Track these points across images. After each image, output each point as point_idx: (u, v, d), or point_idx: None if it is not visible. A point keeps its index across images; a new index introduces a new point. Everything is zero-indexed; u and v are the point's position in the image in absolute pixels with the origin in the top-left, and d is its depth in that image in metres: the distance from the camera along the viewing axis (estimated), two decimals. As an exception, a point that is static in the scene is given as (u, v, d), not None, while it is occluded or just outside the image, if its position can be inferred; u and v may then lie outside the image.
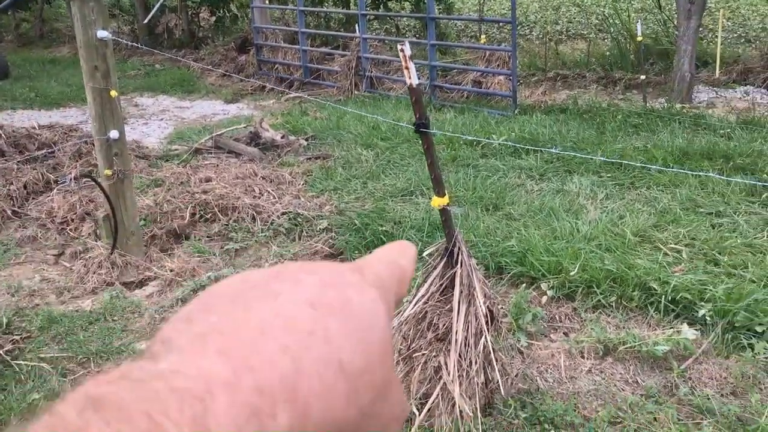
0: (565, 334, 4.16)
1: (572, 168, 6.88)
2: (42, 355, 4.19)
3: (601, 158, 6.56)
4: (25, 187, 6.96)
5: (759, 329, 3.82)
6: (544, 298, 4.44)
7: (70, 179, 6.82)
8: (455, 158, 7.48)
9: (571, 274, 4.48)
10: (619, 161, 6.47)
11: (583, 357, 3.90)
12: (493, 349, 3.22)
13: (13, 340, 4.30)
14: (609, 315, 4.24)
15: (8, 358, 4.06)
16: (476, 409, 3.14)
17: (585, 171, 6.75)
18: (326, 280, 0.42)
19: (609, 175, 6.60)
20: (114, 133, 5.19)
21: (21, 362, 4.06)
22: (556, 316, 4.30)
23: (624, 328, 4.09)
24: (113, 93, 5.15)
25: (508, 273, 4.74)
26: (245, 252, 5.72)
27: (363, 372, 0.39)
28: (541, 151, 7.21)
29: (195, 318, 0.38)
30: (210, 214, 6.22)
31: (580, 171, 6.77)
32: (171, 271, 5.41)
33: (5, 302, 4.95)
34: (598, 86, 11.19)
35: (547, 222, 5.47)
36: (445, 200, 3.13)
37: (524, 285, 4.59)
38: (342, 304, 0.41)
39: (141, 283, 5.39)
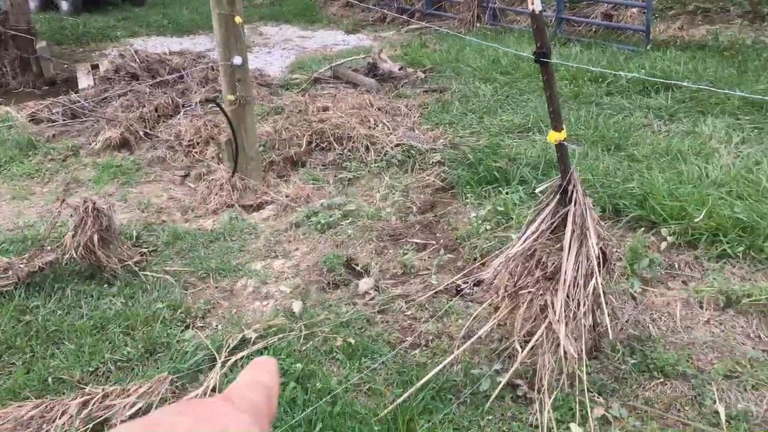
0: (684, 282, 3.95)
1: (706, 108, 6.42)
2: (167, 268, 4.47)
3: (741, 93, 6.03)
4: (156, 110, 7.32)
5: None
6: (664, 244, 4.23)
7: (196, 103, 7.09)
8: (578, 95, 7.16)
9: (696, 220, 4.23)
10: (761, 100, 5.95)
11: (701, 307, 3.70)
12: (603, 291, 3.11)
13: (141, 252, 4.61)
14: (734, 266, 3.99)
15: (136, 269, 4.36)
16: (581, 351, 3.07)
17: (720, 112, 6.28)
18: (200, 417, 0.45)
19: (747, 117, 6.10)
20: (237, 59, 5.32)
21: (147, 273, 4.35)
22: (675, 264, 4.09)
23: (750, 279, 3.84)
24: (237, 19, 5.25)
25: (626, 216, 4.54)
26: (358, 181, 5.79)
27: None
28: (672, 89, 6.76)
29: None
30: (326, 143, 6.32)
31: (715, 112, 6.30)
32: (287, 196, 5.57)
33: (135, 217, 5.30)
34: (744, 21, 10.27)
35: (673, 165, 5.16)
36: (562, 135, 3.00)
37: (642, 229, 4.38)
38: None
39: (258, 207, 5.60)
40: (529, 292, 3.17)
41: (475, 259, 4.34)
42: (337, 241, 4.78)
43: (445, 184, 5.54)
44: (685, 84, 5.62)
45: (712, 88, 6.34)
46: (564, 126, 3.07)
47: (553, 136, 2.99)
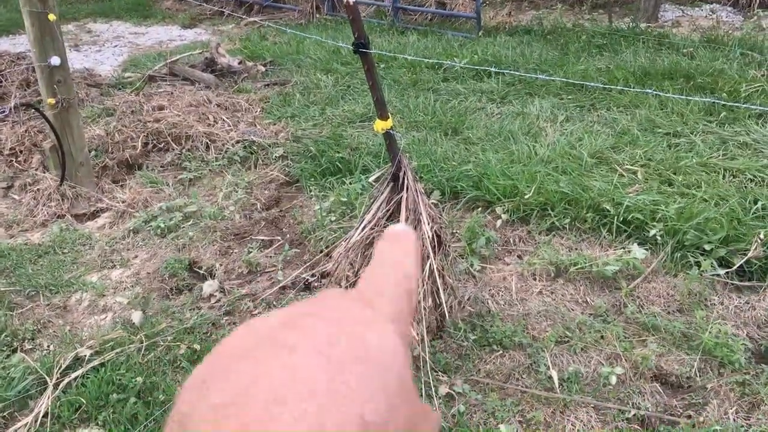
0: (519, 257, 4.16)
1: (534, 91, 6.79)
2: (-12, 290, 4.10)
3: (562, 80, 6.46)
4: (-31, 118, 6.69)
5: (707, 247, 3.85)
6: (499, 222, 4.42)
7: (10, 109, 6.56)
8: (416, 82, 7.33)
9: (526, 197, 4.46)
10: (581, 83, 6.38)
11: (534, 279, 3.91)
12: (441, 273, 3.21)
13: (-43, 275, 4.20)
14: (562, 237, 4.25)
15: (-48, 294, 3.97)
16: (424, 332, 3.14)
17: (546, 93, 6.66)
18: (338, 323, 0.39)
19: (570, 96, 6.52)
20: (55, 60, 4.96)
21: (-35, 297, 3.97)
22: (510, 240, 4.30)
23: (576, 249, 4.10)
24: (52, 16, 4.90)
25: (464, 198, 4.70)
26: (199, 182, 5.60)
27: (387, 420, 0.36)
28: (503, 73, 7.08)
29: (208, 385, 0.37)
30: (163, 144, 6.06)
31: (542, 93, 6.68)
32: (123, 202, 5.29)
33: (-50, 237, 4.82)
34: (564, 6, 10.97)
35: (505, 146, 5.41)
36: (388, 123, 3.04)
37: (479, 209, 4.56)
38: (358, 351, 0.37)
39: (92, 215, 5.27)
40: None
41: (321, 252, 4.33)
42: (178, 245, 4.60)
43: (289, 178, 5.48)
44: (515, 73, 5.89)
45: (536, 76, 6.71)
46: (390, 114, 3.11)
47: (380, 125, 3.03)
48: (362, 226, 3.24)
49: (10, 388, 3.21)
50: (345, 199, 4.75)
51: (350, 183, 5.00)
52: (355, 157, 5.40)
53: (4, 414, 3.08)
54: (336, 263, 3.30)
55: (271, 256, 4.41)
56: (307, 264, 4.17)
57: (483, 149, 5.35)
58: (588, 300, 3.70)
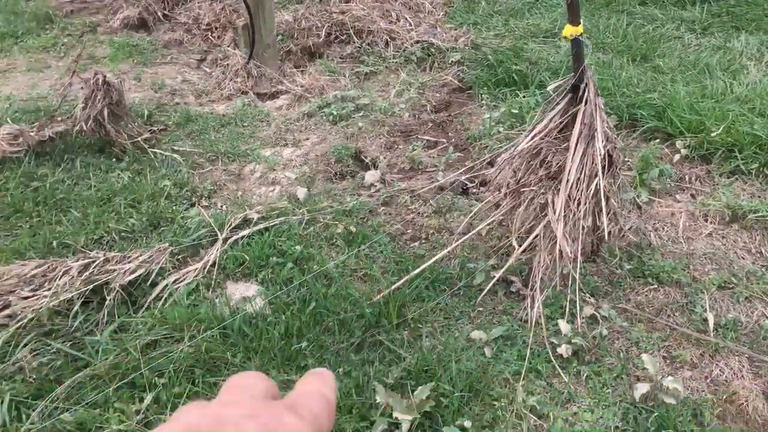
0: (692, 195, 3.90)
1: (742, 24, 6.15)
2: (176, 148, 4.48)
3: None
4: (175, -9, 7.16)
5: None
6: (677, 157, 4.15)
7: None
8: (610, 3, 6.88)
9: (713, 134, 4.13)
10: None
11: (706, 220, 3.67)
12: (606, 195, 3.08)
13: (151, 130, 4.62)
14: (746, 182, 3.92)
15: (146, 146, 4.38)
16: (577, 251, 3.07)
17: (756, 29, 6.02)
18: (266, 424, 0.46)
19: (784, 35, 5.85)
20: (257, -60, 5.14)
21: (156, 151, 4.37)
22: (686, 177, 4.03)
23: (760, 197, 3.78)
24: None
25: (643, 127, 4.44)
26: (375, 76, 5.69)
27: None
28: (709, 2, 6.47)
29: None
30: (345, 36, 6.18)
31: (750, 29, 6.04)
32: (301, 86, 5.50)
33: (149, 97, 5.27)
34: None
35: (698, 79, 5.00)
36: (578, 30, 2.89)
37: (657, 141, 4.30)
38: None
39: (273, 95, 5.54)
40: (531, 190, 3.15)
41: (484, 160, 4.30)
42: (347, 133, 4.75)
43: (462, 84, 5.43)
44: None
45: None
46: (581, 23, 2.95)
47: (569, 30, 2.89)
48: (532, 134, 3.16)
49: (186, 235, 3.53)
50: (516, 111, 4.64)
51: (524, 96, 4.87)
52: (532, 71, 5.22)
53: (179, 257, 3.41)
54: (499, 169, 3.27)
55: (433, 157, 4.44)
56: (468, 168, 4.16)
57: (672, 80, 4.98)
58: (763, 251, 3.43)
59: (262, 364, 2.70)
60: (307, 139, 4.79)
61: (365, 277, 3.32)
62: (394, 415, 2.43)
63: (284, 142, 4.75)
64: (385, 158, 4.41)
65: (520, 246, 3.15)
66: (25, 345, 2.69)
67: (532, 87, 5.01)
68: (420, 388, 2.54)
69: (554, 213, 3.04)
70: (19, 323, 2.74)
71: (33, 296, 2.89)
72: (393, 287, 3.12)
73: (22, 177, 3.93)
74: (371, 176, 4.22)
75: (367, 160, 4.43)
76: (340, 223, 3.70)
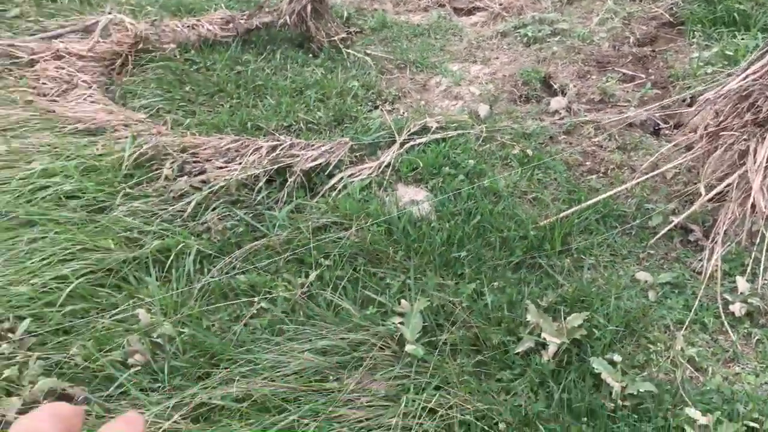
0: None
1: None
2: (368, 51, 4.59)
3: None
4: None
5: None
6: None
7: None
8: None
9: None
10: None
11: None
12: (820, 151, 2.77)
13: (348, 32, 4.75)
14: None
15: (341, 46, 4.52)
16: (773, 209, 2.81)
17: None
18: None
19: None
20: None
21: (350, 51, 4.50)
22: None
23: None
24: None
25: None
26: (578, 2, 5.41)
27: None
28: None
29: None
30: (552, -44, 5.89)
31: None
32: (500, 5, 5.37)
33: (349, 0, 5.40)
34: None
35: None
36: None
37: None
38: None
39: (469, 11, 5.47)
40: (732, 135, 2.90)
41: (683, 101, 4.00)
42: (539, 57, 4.60)
43: (673, 19, 5.01)
44: None
45: None
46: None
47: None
48: (744, 74, 2.89)
49: (367, 135, 3.65)
50: (730, 54, 4.23)
51: (742, 38, 4.42)
52: (758, 11, 4.70)
53: (357, 154, 3.54)
54: (699, 108, 3.03)
55: (627, 91, 4.20)
56: (665, 107, 3.89)
57: None
58: None
59: (421, 264, 2.78)
60: (497, 58, 4.70)
61: (534, 200, 3.27)
62: (543, 335, 2.42)
63: (473, 58, 4.70)
64: (574, 86, 4.24)
65: (707, 194, 2.95)
66: (214, 209, 2.97)
67: (754, 29, 4.53)
68: (573, 315, 2.50)
69: (754, 163, 2.79)
70: (211, 189, 3.01)
71: (225, 167, 3.15)
72: (562, 214, 3.05)
73: (228, 60, 4.23)
74: (557, 103, 4.08)
75: (555, 86, 4.28)
76: (518, 145, 3.64)
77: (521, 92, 4.26)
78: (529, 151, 3.59)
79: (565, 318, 2.52)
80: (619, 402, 2.26)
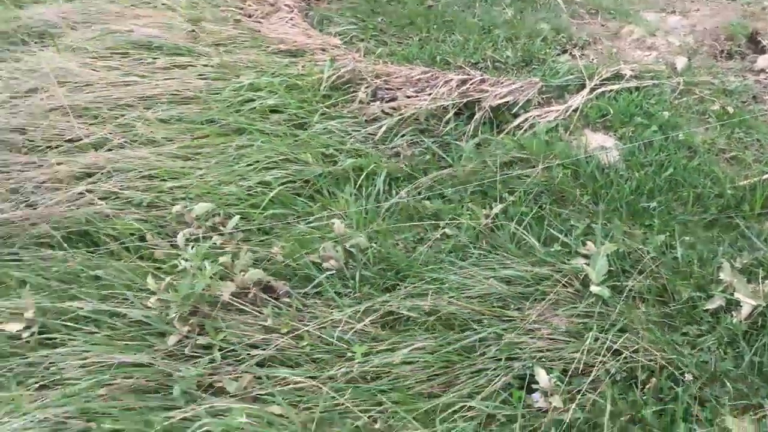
0: None
1: None
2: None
3: None
4: None
5: None
6: None
7: None
8: None
9: None
10: None
11: None
12: None
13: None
14: None
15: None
16: None
17: None
18: None
19: None
20: None
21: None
22: None
23: None
24: None
25: None
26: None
27: None
28: None
29: None
30: None
31: None
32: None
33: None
34: None
35: None
36: None
37: None
38: None
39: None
40: None
41: None
42: (746, 11, 4.27)
43: None
44: None
45: None
46: None
47: None
48: None
49: (556, 78, 3.58)
50: None
51: None
52: None
53: (544, 96, 3.48)
54: None
55: None
56: None
57: None
58: None
59: (607, 210, 2.72)
60: (698, 10, 4.41)
61: (733, 159, 3.08)
62: (736, 295, 2.31)
63: (672, 8, 4.44)
64: (787, 44, 3.90)
65: None
66: (403, 135, 3.05)
67: None
68: (773, 278, 2.37)
69: None
70: (402, 116, 3.09)
71: (415, 97, 3.21)
72: (764, 176, 2.86)
73: (419, -4, 4.27)
74: (765, 60, 3.78)
75: (763, 43, 3.96)
76: (717, 101, 3.43)
77: (723, 47, 3.99)
78: (730, 109, 3.37)
79: (762, 281, 2.39)
80: (816, 372, 2.13)
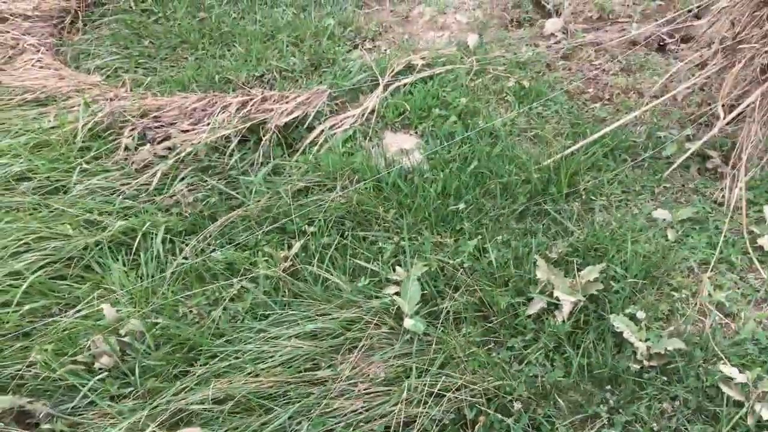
0: None
1: None
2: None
3: None
4: None
5: None
6: None
7: None
8: None
9: None
10: None
11: None
12: None
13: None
14: None
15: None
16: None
17: None
18: None
19: None
20: None
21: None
22: None
23: None
24: None
25: None
26: None
27: None
28: None
29: None
30: None
31: None
32: None
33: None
34: None
35: None
36: None
37: None
38: None
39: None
40: (752, 47, 2.58)
41: (689, 11, 3.65)
42: (528, -25, 4.21)
43: None
44: None
45: None
46: None
47: None
48: (765, -22, 2.55)
49: (347, 79, 3.33)
50: (738, -46, 3.85)
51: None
52: None
53: (338, 102, 3.23)
54: (713, 18, 2.70)
55: (628, 6, 3.84)
56: (670, 19, 3.55)
57: None
58: None
59: (415, 222, 2.52)
60: (483, -20, 4.31)
61: (535, 138, 2.98)
62: (555, 294, 2.17)
63: (457, -18, 4.31)
64: (569, 5, 3.88)
65: (726, 115, 2.65)
66: (182, 179, 2.68)
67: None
68: (588, 268, 2.25)
69: (778, 78, 2.49)
70: (178, 156, 2.72)
71: (192, 130, 2.85)
72: (566, 152, 2.76)
73: (190, 7, 3.86)
74: (552, 24, 3.74)
75: (549, 7, 3.92)
76: (513, 76, 3.32)
77: (512, 16, 3.91)
78: (526, 82, 3.27)
79: (578, 271, 2.27)
80: (645, 363, 2.03)
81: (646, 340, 2.06)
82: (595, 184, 2.69)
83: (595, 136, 2.80)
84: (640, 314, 2.13)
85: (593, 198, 2.65)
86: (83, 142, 2.76)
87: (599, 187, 2.69)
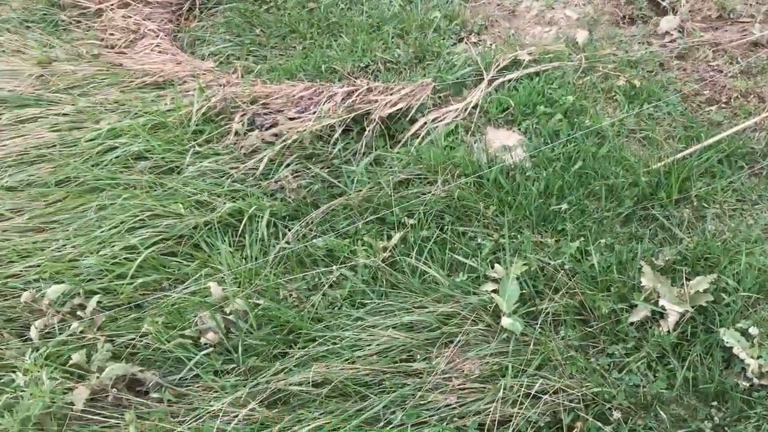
0: None
1: None
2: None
3: None
4: None
5: None
6: None
7: None
8: None
9: None
10: None
11: None
12: None
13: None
14: None
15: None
16: None
17: None
18: None
19: None
20: None
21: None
22: None
23: None
24: None
25: None
26: None
27: None
28: None
29: None
30: None
31: None
32: None
33: None
34: None
35: None
36: None
37: None
38: None
39: None
40: None
41: (820, 12, 3.42)
42: (644, -29, 4.06)
43: None
44: None
45: None
46: None
47: None
48: None
49: (451, 72, 3.31)
50: None
51: None
52: None
53: (441, 95, 3.22)
54: None
55: (750, 5, 3.64)
56: (799, 22, 3.34)
57: None
58: None
59: (515, 220, 2.49)
60: (596, -26, 4.19)
61: (645, 140, 2.88)
62: (661, 302, 2.10)
63: (569, -24, 4.20)
64: (687, 2, 3.71)
65: None
66: (288, 165, 2.75)
67: None
68: (697, 278, 2.16)
69: None
70: (284, 143, 2.79)
71: (298, 118, 2.91)
72: (678, 156, 2.66)
73: (299, -3, 3.94)
74: (668, 23, 3.59)
75: (664, 4, 3.76)
76: (623, 75, 3.22)
77: (624, 12, 3.78)
78: (637, 82, 3.16)
79: (686, 281, 2.18)
80: (756, 381, 1.93)
81: (758, 357, 1.96)
82: (708, 190, 2.57)
83: (711, 140, 2.68)
84: (753, 330, 2.03)
85: (705, 205, 2.54)
86: (197, 125, 2.87)
87: (712, 194, 2.57)
